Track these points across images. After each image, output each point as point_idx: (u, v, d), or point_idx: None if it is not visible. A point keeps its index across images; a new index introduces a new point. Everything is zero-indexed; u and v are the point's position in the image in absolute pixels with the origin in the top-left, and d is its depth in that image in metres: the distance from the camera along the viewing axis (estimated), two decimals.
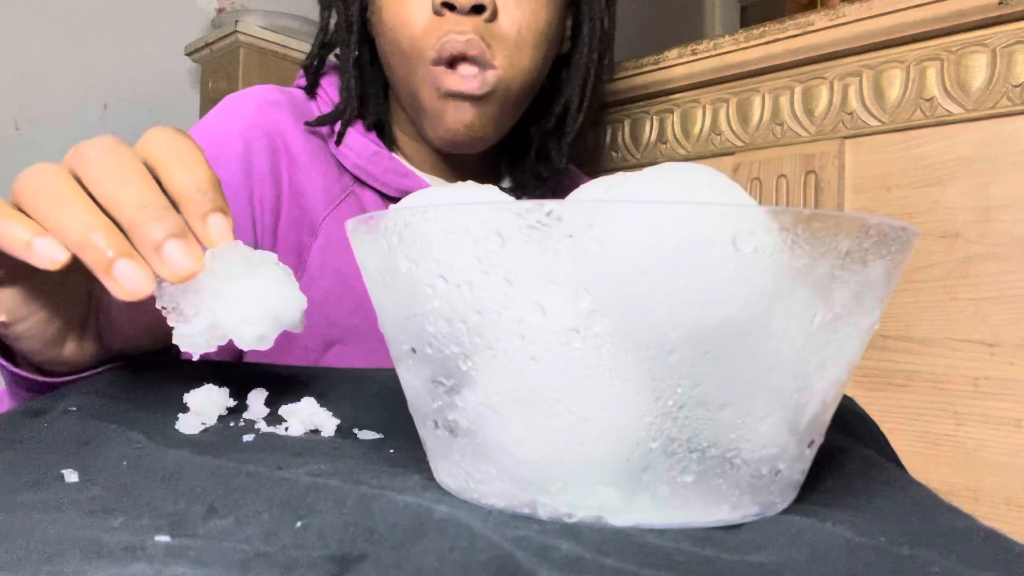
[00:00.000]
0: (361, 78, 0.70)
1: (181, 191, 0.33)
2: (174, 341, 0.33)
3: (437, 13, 0.62)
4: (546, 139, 0.75)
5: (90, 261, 0.31)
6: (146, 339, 0.43)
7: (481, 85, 0.62)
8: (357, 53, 0.69)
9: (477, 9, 0.61)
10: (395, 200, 0.68)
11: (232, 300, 0.32)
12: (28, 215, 0.32)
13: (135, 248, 0.31)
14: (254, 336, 0.32)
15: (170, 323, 0.33)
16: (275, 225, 0.66)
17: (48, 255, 0.31)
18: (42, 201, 0.32)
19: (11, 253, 0.32)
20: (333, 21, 0.71)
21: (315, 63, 0.72)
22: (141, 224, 0.31)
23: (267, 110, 0.68)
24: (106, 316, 0.42)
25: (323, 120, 0.68)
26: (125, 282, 0.31)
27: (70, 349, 0.41)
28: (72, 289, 0.39)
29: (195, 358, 0.33)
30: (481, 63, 0.62)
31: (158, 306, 0.32)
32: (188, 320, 0.32)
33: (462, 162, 0.73)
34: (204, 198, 0.33)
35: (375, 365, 0.62)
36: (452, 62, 0.62)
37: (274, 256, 0.34)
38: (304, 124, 0.68)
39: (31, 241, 0.31)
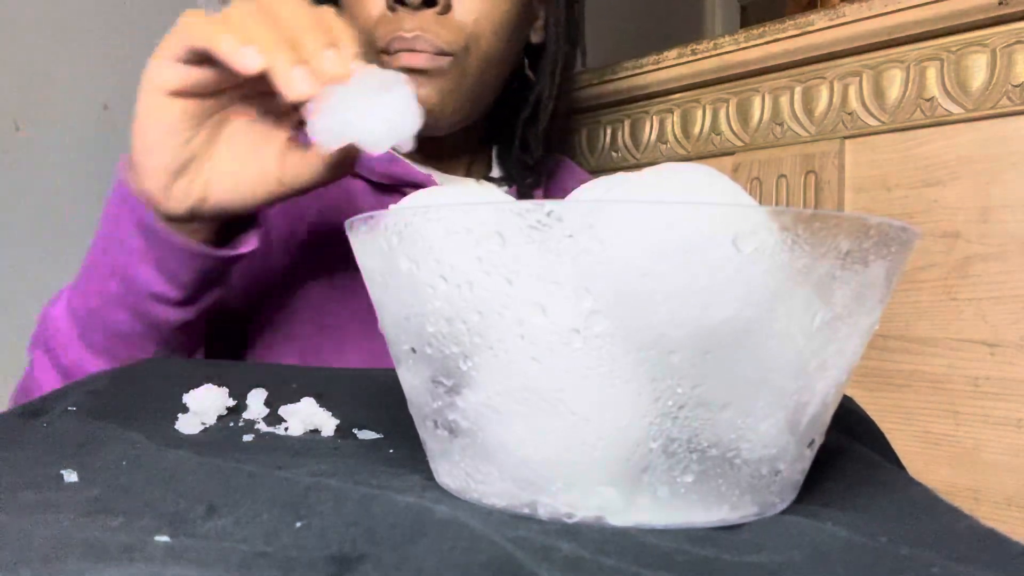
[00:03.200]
0: None
1: (323, 21, 0.43)
2: (308, 132, 0.41)
3: (391, 9, 0.63)
4: (526, 128, 0.76)
5: (275, 65, 0.40)
6: (247, 194, 0.49)
7: (428, 60, 0.63)
8: None
9: (428, 2, 0.62)
10: (381, 187, 0.69)
11: (363, 108, 0.40)
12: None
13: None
14: (373, 140, 0.40)
15: (310, 120, 0.41)
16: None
17: (249, 60, 0.41)
18: (238, 21, 0.42)
19: (220, 56, 0.42)
20: None
21: None
22: (304, 35, 0.41)
23: None
24: (210, 171, 0.48)
25: None
26: (298, 83, 0.40)
27: (179, 186, 0.47)
28: (192, 126, 0.47)
29: (325, 151, 0.43)
30: (432, 52, 0.63)
31: (304, 109, 0.41)
32: (325, 118, 0.40)
33: (450, 150, 0.73)
34: (343, 31, 0.43)
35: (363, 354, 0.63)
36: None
37: (403, 76, 0.41)
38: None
39: (239, 48, 0.41)
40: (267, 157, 0.48)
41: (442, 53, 0.63)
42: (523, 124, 0.75)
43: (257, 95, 0.48)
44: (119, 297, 0.51)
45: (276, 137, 0.49)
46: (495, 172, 0.78)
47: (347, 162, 0.48)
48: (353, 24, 0.65)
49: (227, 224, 0.52)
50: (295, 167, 0.48)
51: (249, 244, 0.53)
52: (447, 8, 0.63)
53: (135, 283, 0.50)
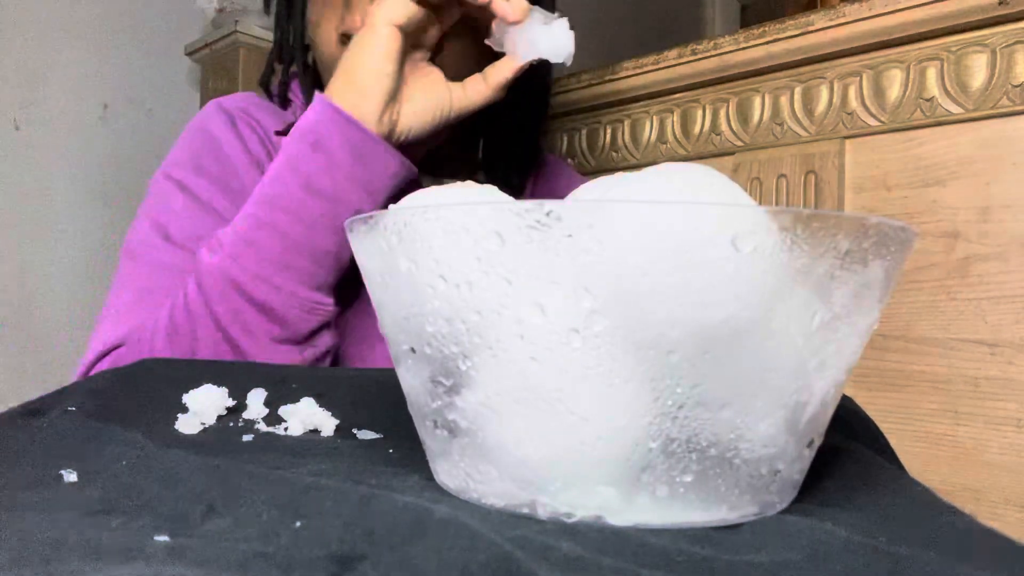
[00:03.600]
0: (313, 88, 0.73)
1: None
2: (510, 49, 0.60)
3: (341, 43, 0.66)
4: (494, 131, 0.77)
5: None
6: (426, 120, 0.62)
7: None
8: (306, 67, 0.74)
9: None
10: None
11: (544, 33, 0.59)
12: None
13: None
14: (556, 54, 0.59)
15: (515, 40, 0.60)
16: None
17: None
18: None
19: None
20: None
21: (272, 77, 0.76)
22: None
23: (244, 103, 0.73)
24: (402, 101, 0.61)
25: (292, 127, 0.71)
26: (512, 10, 0.58)
27: (387, 112, 0.60)
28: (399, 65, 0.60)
29: (521, 62, 0.60)
30: None
31: (495, 39, 0.60)
32: (523, 40, 0.59)
33: (433, 152, 0.74)
34: None
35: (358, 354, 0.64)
36: None
37: (557, 14, 0.59)
38: (275, 133, 0.72)
39: None
40: (437, 90, 0.62)
41: None
42: (490, 127, 0.76)
43: (416, 46, 0.62)
44: (326, 219, 0.58)
45: (437, 75, 0.63)
46: (480, 176, 0.78)
47: (507, 85, 0.62)
48: (317, 55, 0.70)
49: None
50: (460, 95, 0.63)
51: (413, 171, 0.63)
52: None
53: (344, 202, 0.58)
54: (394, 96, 0.59)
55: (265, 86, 0.76)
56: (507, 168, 0.77)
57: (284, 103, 0.75)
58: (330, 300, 0.60)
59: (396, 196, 0.61)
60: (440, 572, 0.20)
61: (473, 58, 0.66)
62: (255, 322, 0.57)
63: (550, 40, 0.59)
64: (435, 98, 0.62)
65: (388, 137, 0.60)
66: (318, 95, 0.59)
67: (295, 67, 0.75)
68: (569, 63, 0.60)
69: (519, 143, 0.77)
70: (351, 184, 0.58)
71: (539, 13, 0.59)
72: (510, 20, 0.58)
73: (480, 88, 0.62)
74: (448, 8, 0.61)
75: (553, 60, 0.59)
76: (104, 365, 0.61)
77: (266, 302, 0.57)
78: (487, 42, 0.61)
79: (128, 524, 0.23)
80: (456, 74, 0.63)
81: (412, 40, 0.60)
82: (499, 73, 0.61)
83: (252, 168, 0.70)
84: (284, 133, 0.71)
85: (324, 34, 0.68)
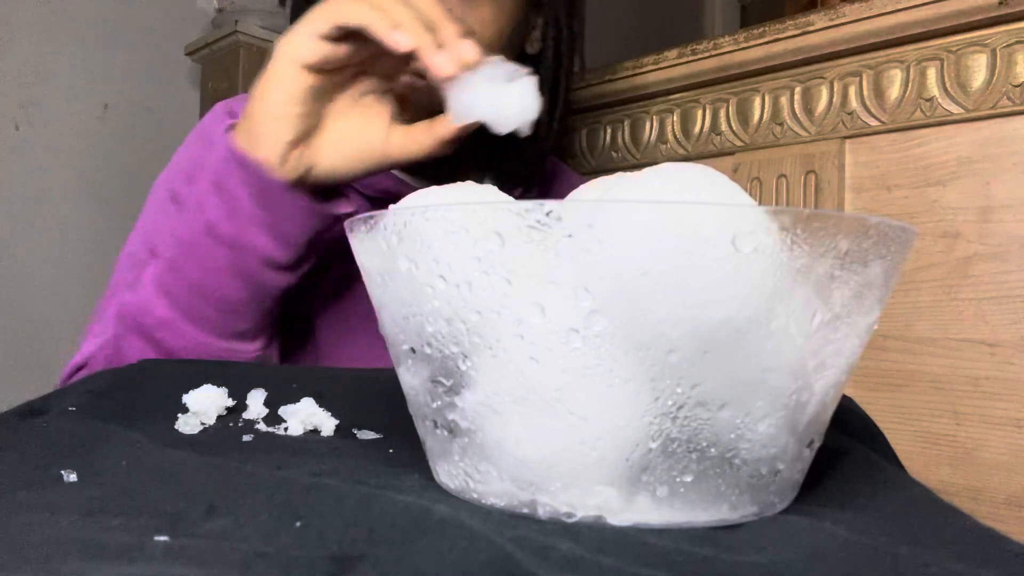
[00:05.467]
0: None
1: (452, 16, 0.50)
2: (448, 107, 0.49)
3: None
4: (521, 142, 0.75)
5: (423, 45, 0.47)
6: (352, 164, 0.55)
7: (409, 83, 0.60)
8: None
9: None
10: (373, 200, 0.69)
11: (494, 93, 0.47)
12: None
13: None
14: (502, 121, 0.47)
15: (449, 97, 0.48)
16: None
17: (403, 40, 0.47)
18: (383, 5, 0.48)
19: (374, 33, 0.47)
20: None
21: None
22: (442, 24, 0.48)
23: None
24: (320, 142, 0.54)
25: None
26: (444, 63, 0.47)
27: (293, 155, 0.52)
28: (316, 109, 0.53)
29: (456, 125, 0.49)
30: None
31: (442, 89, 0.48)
32: (462, 98, 0.47)
33: (440, 161, 0.73)
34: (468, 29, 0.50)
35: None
36: None
37: (526, 69, 0.48)
38: None
39: (392, 28, 0.47)
40: (372, 132, 0.54)
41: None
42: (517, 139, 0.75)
43: (359, 77, 0.54)
44: (231, 266, 0.53)
45: (378, 115, 0.54)
46: (487, 180, 0.78)
47: (455, 140, 0.53)
48: None
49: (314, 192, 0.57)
50: (401, 141, 0.54)
51: (345, 207, 0.56)
52: None
53: (249, 249, 0.53)
54: (304, 138, 0.52)
55: None
56: (513, 173, 0.77)
57: None
58: (253, 346, 0.57)
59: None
60: (440, 572, 0.20)
61: None
62: None
63: (497, 102, 0.47)
64: (363, 142, 0.54)
65: (302, 179, 0.53)
66: (225, 134, 0.54)
67: None
68: (525, 132, 0.48)
69: (523, 147, 0.77)
70: (256, 229, 0.53)
71: (493, 68, 0.48)
72: (440, 76, 0.47)
73: (422, 140, 0.53)
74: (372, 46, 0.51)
75: (494, 129, 0.47)
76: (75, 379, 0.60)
77: (172, 351, 0.54)
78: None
79: (128, 524, 0.23)
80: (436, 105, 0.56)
81: (353, 72, 0.53)
82: (443, 128, 0.52)
83: None
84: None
85: None
